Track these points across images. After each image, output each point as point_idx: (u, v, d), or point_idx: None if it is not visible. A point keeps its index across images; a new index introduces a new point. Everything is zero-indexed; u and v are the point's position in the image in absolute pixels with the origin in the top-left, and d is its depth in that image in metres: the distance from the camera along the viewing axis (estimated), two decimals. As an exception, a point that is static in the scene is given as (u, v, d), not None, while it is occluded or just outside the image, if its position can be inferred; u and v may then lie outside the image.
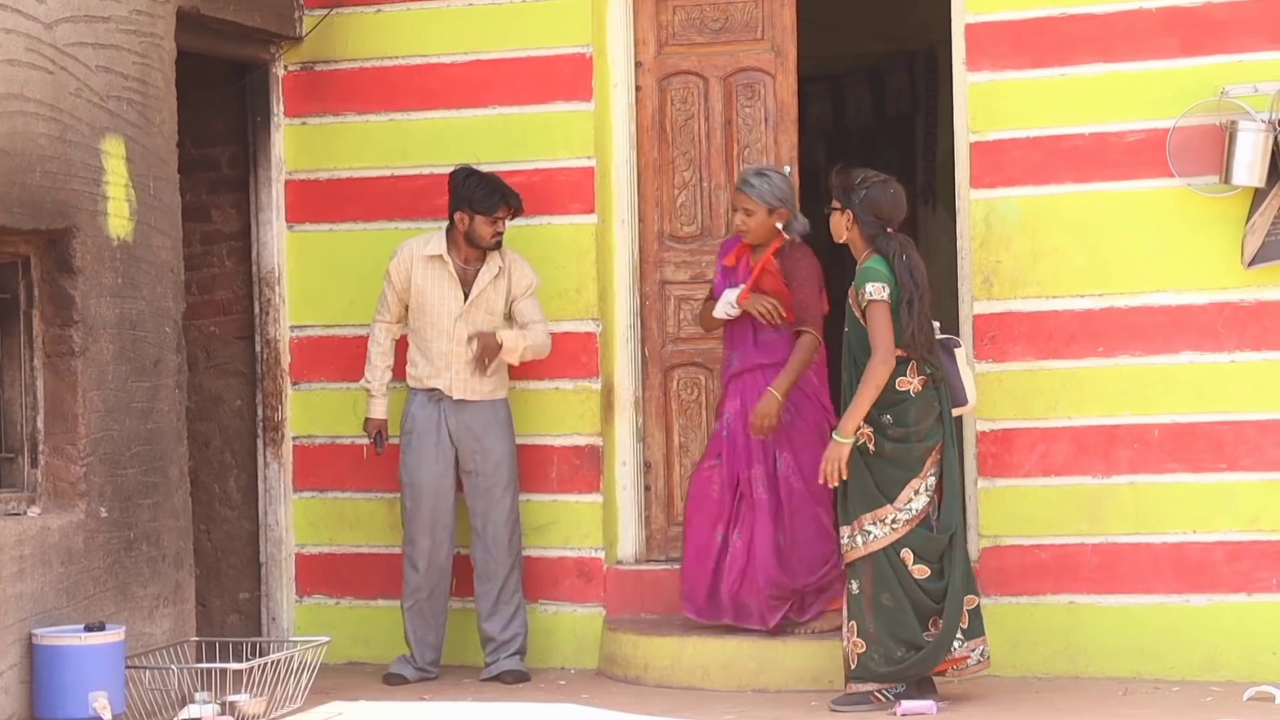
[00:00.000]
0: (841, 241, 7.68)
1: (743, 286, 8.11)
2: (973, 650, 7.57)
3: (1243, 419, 7.99)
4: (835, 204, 7.64)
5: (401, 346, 8.54)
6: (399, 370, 8.55)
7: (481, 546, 8.44)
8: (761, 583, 8.07)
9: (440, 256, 8.40)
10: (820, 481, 7.56)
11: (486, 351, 8.32)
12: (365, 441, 8.63)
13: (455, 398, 8.38)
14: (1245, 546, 7.98)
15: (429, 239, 8.47)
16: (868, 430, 7.49)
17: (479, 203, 8.30)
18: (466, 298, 8.38)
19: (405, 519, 8.50)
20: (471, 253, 8.40)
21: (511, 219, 8.40)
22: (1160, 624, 8.04)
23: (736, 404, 8.17)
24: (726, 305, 8.15)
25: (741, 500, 8.15)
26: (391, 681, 8.43)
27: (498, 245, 8.37)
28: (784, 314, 8.07)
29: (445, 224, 8.45)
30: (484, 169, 8.52)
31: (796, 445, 8.11)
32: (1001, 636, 8.14)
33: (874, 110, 12.57)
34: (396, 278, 8.47)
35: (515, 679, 8.34)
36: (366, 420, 8.57)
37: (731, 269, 8.22)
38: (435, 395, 8.42)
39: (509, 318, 8.43)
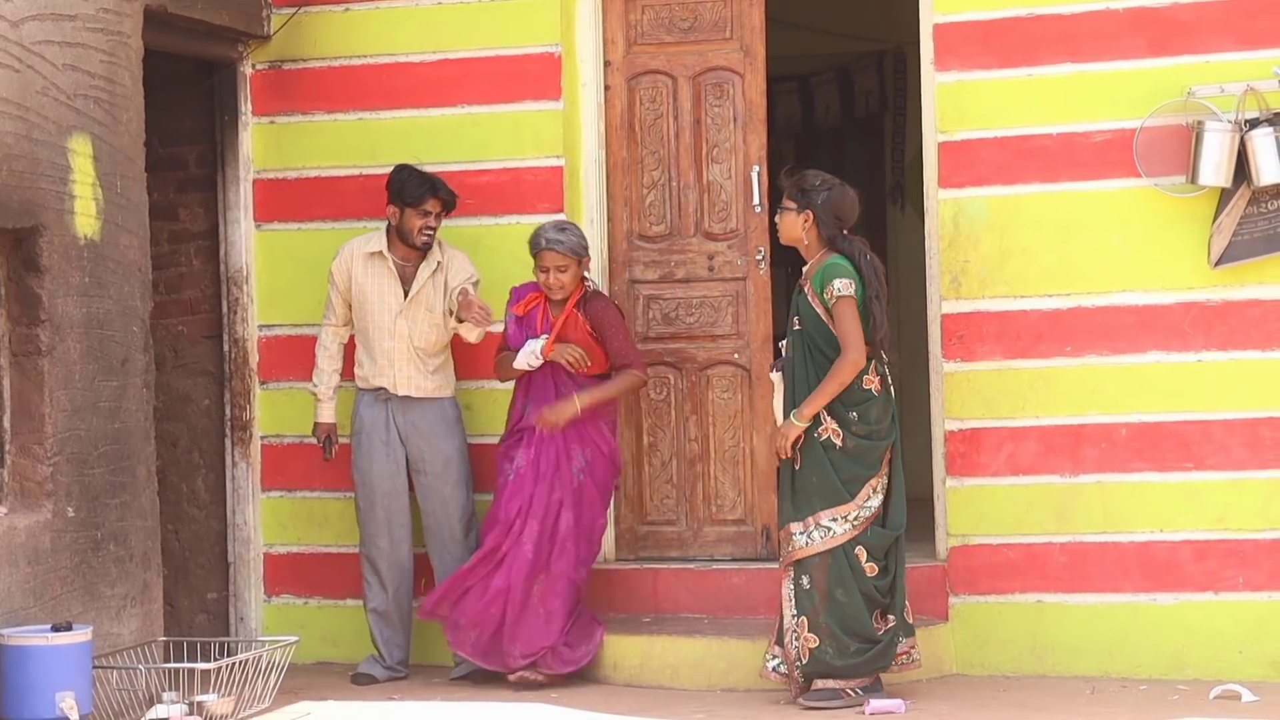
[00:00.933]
0: (790, 242, 7.70)
1: (545, 338, 8.11)
2: (911, 648, 7.64)
3: (1209, 418, 8.02)
4: (790, 204, 7.67)
5: (351, 348, 8.54)
6: (349, 372, 8.54)
7: (439, 545, 8.43)
8: (517, 633, 8.04)
9: (380, 253, 8.39)
10: (776, 456, 7.60)
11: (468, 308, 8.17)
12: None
13: (400, 394, 8.38)
14: (1212, 545, 8.00)
15: (369, 237, 8.47)
16: (833, 426, 7.51)
17: (407, 194, 8.29)
18: (407, 295, 8.37)
19: (361, 520, 8.50)
20: (410, 250, 8.39)
21: (445, 214, 8.37)
22: (1127, 623, 8.07)
23: (531, 453, 8.13)
24: (529, 356, 8.12)
25: (510, 545, 8.10)
26: (360, 681, 8.42)
27: (428, 242, 8.35)
28: (589, 362, 8.10)
29: (387, 223, 8.45)
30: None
31: (581, 505, 8.12)
32: (969, 635, 8.17)
33: (843, 110, 12.58)
34: (339, 277, 8.46)
35: (484, 678, 8.33)
36: (315, 425, 8.57)
37: (523, 319, 8.21)
38: (382, 394, 8.41)
39: (450, 313, 8.41)
